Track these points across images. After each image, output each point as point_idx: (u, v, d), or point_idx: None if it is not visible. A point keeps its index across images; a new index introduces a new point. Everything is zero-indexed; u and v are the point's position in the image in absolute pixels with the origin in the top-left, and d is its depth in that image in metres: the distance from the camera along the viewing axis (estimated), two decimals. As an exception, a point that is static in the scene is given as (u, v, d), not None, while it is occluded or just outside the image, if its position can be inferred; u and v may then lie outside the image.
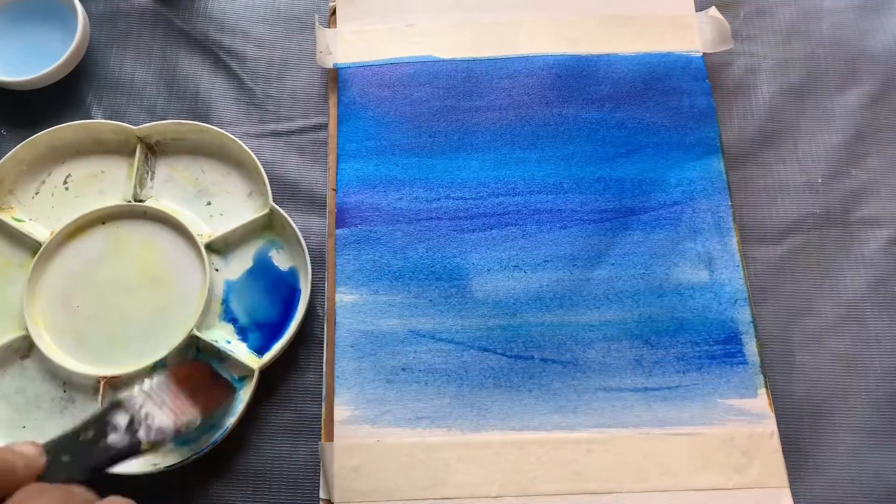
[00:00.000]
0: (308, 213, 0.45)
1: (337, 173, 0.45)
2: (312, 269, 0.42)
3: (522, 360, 0.40)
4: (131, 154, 0.46)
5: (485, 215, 0.43)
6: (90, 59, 0.50)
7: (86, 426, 0.32)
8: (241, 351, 0.41)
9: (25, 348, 0.42)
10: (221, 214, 0.45)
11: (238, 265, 0.44)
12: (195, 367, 0.39)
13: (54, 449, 0.30)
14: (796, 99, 0.47)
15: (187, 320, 0.41)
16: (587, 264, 0.42)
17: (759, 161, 0.45)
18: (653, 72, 0.46)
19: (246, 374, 0.41)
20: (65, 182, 0.46)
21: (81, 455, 0.31)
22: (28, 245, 0.44)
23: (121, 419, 0.32)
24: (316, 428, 0.41)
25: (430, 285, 0.42)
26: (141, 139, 0.46)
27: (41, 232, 0.44)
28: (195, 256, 0.43)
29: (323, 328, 0.42)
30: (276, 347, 0.41)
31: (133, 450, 0.32)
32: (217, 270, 0.43)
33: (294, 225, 0.43)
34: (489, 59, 0.47)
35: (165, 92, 0.49)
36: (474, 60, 0.47)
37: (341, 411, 0.39)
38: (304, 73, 0.49)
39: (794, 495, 0.38)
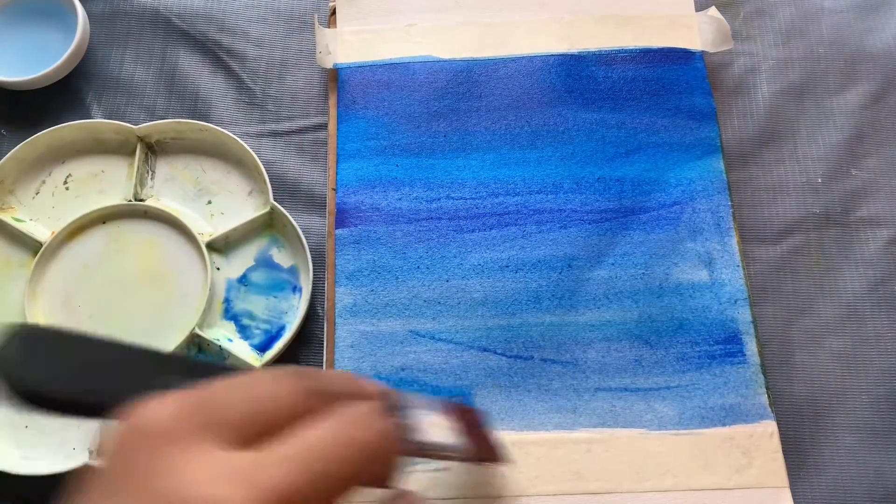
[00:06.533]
0: (308, 213, 0.45)
1: (337, 173, 0.45)
2: (313, 268, 0.42)
3: (522, 361, 0.40)
4: (131, 153, 0.46)
5: (485, 215, 0.43)
6: (90, 59, 0.50)
7: None
8: (242, 349, 0.41)
9: (26, 348, 0.42)
10: (222, 213, 0.45)
11: (239, 263, 0.44)
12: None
13: None
14: (796, 99, 0.47)
15: (189, 319, 0.42)
16: (587, 264, 0.42)
17: (759, 161, 0.45)
18: (653, 71, 0.46)
19: (246, 373, 0.41)
20: (65, 182, 0.46)
21: None
22: (29, 245, 0.44)
23: None
24: (316, 428, 0.41)
25: (430, 285, 0.42)
26: (141, 139, 0.46)
27: (42, 232, 0.44)
28: (196, 255, 0.43)
29: (323, 328, 0.42)
30: (278, 346, 0.41)
31: None
32: (218, 269, 0.43)
33: (295, 223, 0.43)
34: (489, 59, 0.47)
35: (165, 92, 0.49)
36: (474, 60, 0.47)
37: (341, 411, 0.39)
38: (304, 73, 0.49)
39: (794, 495, 0.38)
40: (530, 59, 0.47)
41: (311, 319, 0.43)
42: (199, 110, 0.48)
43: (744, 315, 0.41)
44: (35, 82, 0.47)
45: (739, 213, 0.44)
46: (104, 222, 0.45)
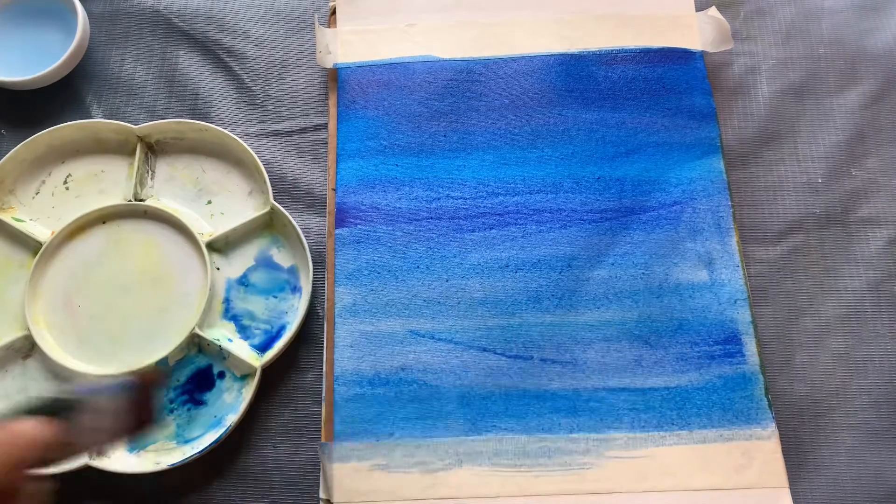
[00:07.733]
0: (308, 213, 0.45)
1: (337, 173, 0.45)
2: (313, 268, 0.42)
3: (522, 360, 0.40)
4: (131, 153, 0.46)
5: (484, 215, 0.43)
6: (90, 59, 0.50)
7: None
8: (242, 349, 0.41)
9: (27, 348, 0.42)
10: (222, 213, 0.45)
11: (239, 263, 0.44)
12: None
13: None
14: (796, 99, 0.47)
15: (189, 319, 0.42)
16: (587, 264, 0.42)
17: (759, 161, 0.45)
18: (653, 71, 0.46)
19: (248, 372, 0.41)
20: (65, 182, 0.46)
21: None
22: (29, 245, 0.44)
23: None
24: (316, 428, 0.41)
25: (430, 285, 0.42)
26: (141, 138, 0.46)
27: (42, 232, 0.44)
28: (196, 255, 0.43)
29: (323, 328, 0.42)
30: (278, 346, 0.41)
31: None
32: (218, 269, 0.43)
33: (295, 223, 0.43)
34: (489, 59, 0.47)
35: (165, 92, 0.49)
36: (474, 60, 0.47)
37: (341, 411, 0.40)
38: (304, 73, 0.49)
39: (794, 495, 0.38)
40: (530, 58, 0.47)
41: (311, 319, 0.43)
42: (199, 110, 0.48)
43: (743, 315, 0.41)
44: (35, 82, 0.47)
45: (739, 213, 0.44)
46: (104, 222, 0.45)
